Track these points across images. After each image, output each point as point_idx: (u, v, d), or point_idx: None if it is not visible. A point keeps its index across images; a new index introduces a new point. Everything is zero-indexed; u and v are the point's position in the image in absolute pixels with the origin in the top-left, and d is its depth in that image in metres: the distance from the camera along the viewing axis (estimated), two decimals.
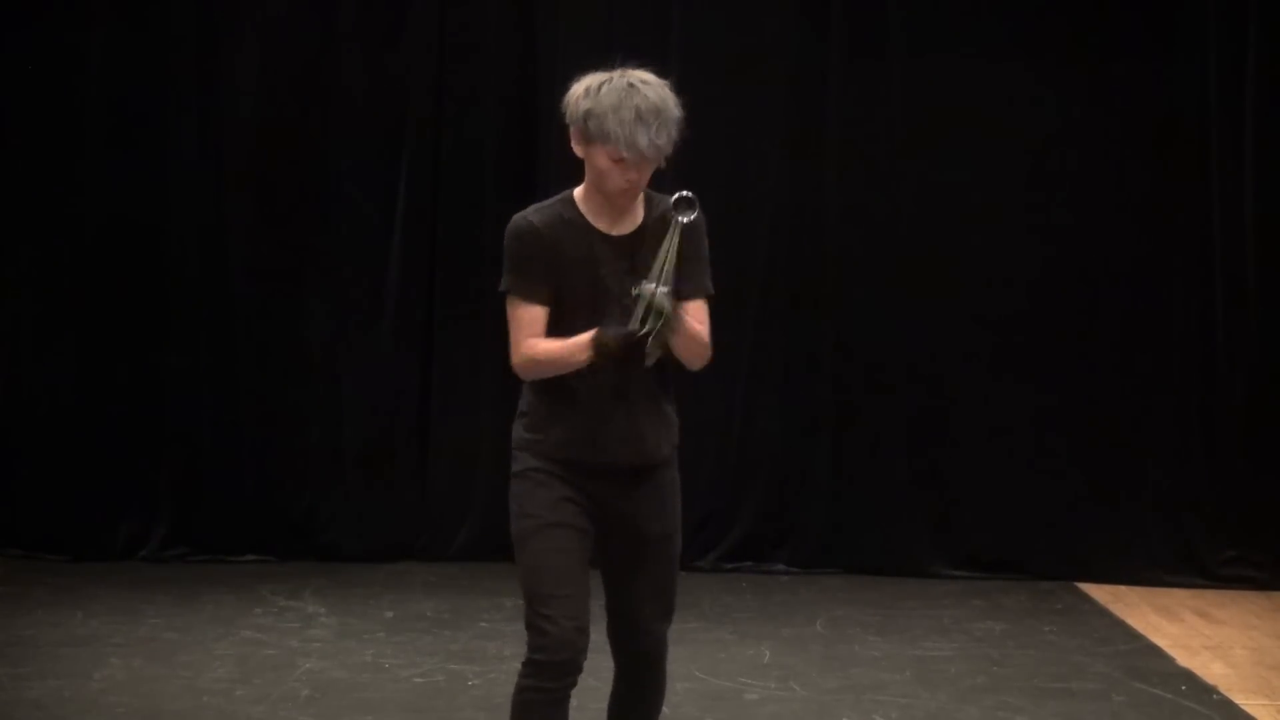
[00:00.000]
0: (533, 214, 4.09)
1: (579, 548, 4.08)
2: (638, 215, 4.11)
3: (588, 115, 3.97)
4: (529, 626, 4.07)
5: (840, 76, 8.46)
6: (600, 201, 4.07)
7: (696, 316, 4.08)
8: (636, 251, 4.06)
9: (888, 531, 8.47)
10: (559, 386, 4.08)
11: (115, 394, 8.38)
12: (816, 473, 8.54)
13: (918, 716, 5.97)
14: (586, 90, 4.00)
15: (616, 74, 4.01)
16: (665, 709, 5.91)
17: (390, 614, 7.43)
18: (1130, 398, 8.45)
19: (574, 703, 4.17)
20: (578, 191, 4.12)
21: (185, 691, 6.09)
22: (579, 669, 4.08)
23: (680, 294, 4.01)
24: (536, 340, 4.02)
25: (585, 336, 3.94)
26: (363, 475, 8.50)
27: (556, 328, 4.06)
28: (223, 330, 8.46)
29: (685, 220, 3.99)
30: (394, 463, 8.56)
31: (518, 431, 4.17)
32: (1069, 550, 8.41)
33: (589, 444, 4.07)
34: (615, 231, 4.08)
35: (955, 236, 8.47)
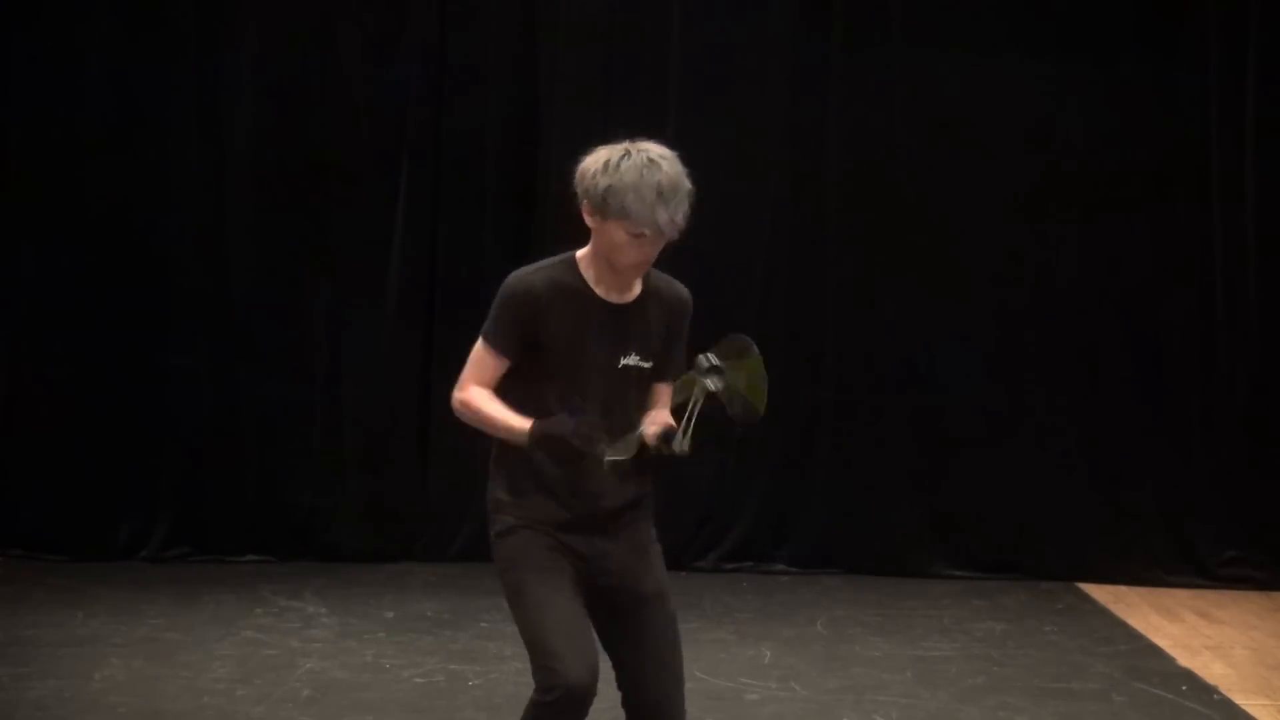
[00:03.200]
0: (533, 274, 4.05)
1: (576, 591, 4.06)
2: (636, 286, 4.11)
3: (608, 192, 3.95)
4: (537, 671, 4.01)
5: (840, 76, 8.46)
6: (603, 270, 4.06)
7: (665, 396, 4.15)
8: (631, 321, 4.07)
9: (888, 532, 8.48)
10: (516, 452, 4.06)
11: (115, 394, 8.38)
12: (817, 473, 8.54)
13: (918, 717, 5.97)
14: (605, 166, 3.97)
15: (631, 148, 4.00)
16: None
17: (391, 614, 7.43)
18: (1130, 398, 8.45)
19: None
20: (580, 255, 4.10)
21: (186, 692, 6.09)
22: (590, 704, 4.03)
23: (664, 376, 4.11)
24: (484, 391, 4.02)
25: (525, 425, 3.94)
26: (363, 475, 8.51)
27: (535, 383, 4.03)
28: (223, 330, 8.46)
29: (713, 388, 3.99)
30: (394, 463, 8.56)
31: (494, 493, 4.15)
32: (1070, 550, 8.41)
33: (565, 501, 4.05)
34: (614, 299, 4.08)
35: (955, 237, 8.47)
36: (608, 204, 3.95)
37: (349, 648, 6.81)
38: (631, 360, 4.07)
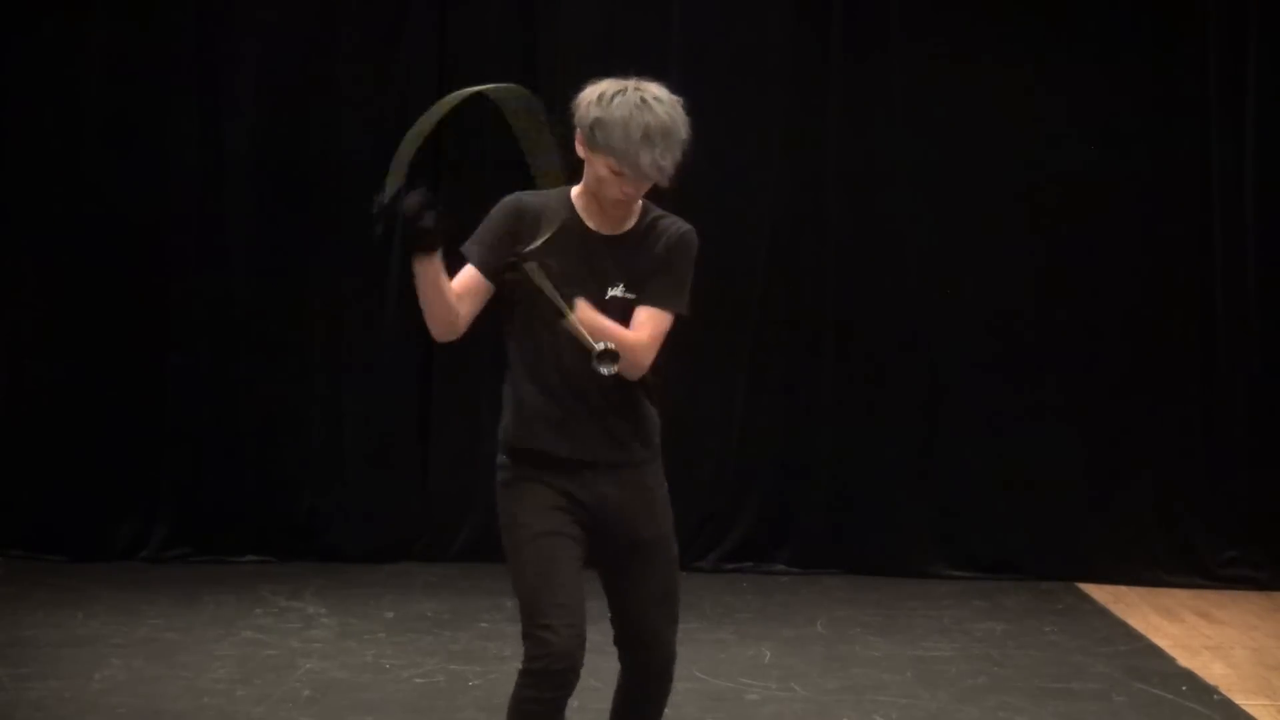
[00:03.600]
0: (529, 196, 4.11)
1: (573, 554, 4.05)
2: (630, 219, 4.10)
3: (595, 124, 3.95)
4: (527, 636, 4.03)
5: (840, 76, 8.46)
6: (592, 201, 4.07)
7: (641, 321, 4.04)
8: (621, 253, 4.06)
9: (888, 532, 8.48)
10: (531, 378, 4.06)
11: (115, 394, 8.39)
12: (817, 473, 8.54)
13: (918, 717, 5.97)
14: (599, 97, 3.98)
15: (630, 85, 3.98)
16: (666, 709, 5.92)
17: (391, 614, 7.43)
18: (1130, 398, 8.45)
19: (574, 703, 4.17)
20: (575, 189, 4.12)
21: (186, 692, 6.09)
22: (578, 676, 4.05)
23: (639, 301, 4.06)
24: (451, 280, 4.16)
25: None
26: (363, 476, 8.50)
27: (523, 315, 4.07)
28: (223, 330, 8.46)
29: (604, 371, 3.92)
30: (394, 463, 8.56)
31: (500, 433, 4.16)
32: (1069, 550, 8.41)
33: (560, 438, 4.04)
34: (605, 231, 4.07)
35: (955, 237, 8.47)
36: (595, 136, 3.96)
37: (349, 648, 6.81)
38: (618, 292, 4.05)
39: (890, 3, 8.43)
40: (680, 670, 6.45)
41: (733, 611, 7.64)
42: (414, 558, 8.53)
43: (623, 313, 4.05)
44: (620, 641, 4.23)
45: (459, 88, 9.01)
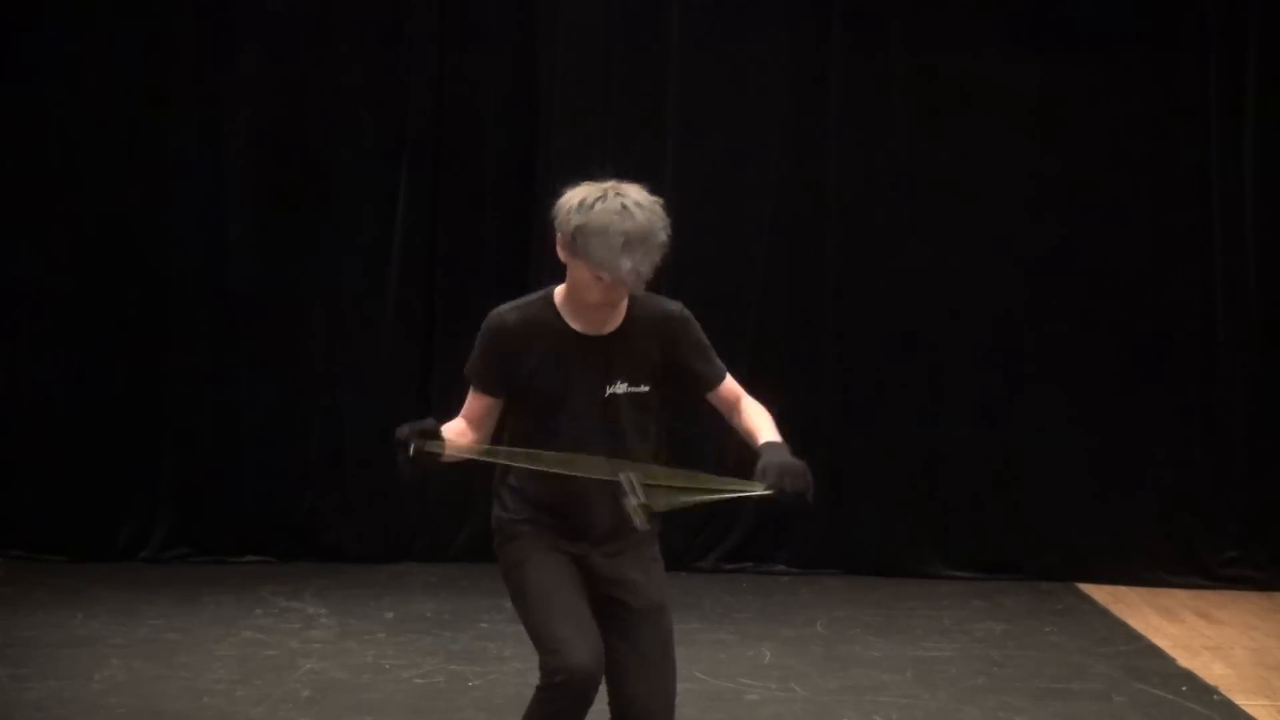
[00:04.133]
0: (508, 312, 4.09)
1: (577, 579, 4.08)
2: (619, 316, 4.10)
3: (577, 231, 3.94)
4: (544, 657, 4.01)
5: (840, 76, 8.46)
6: (578, 303, 4.06)
7: (732, 389, 4.30)
8: (613, 350, 4.07)
9: (888, 532, 8.48)
10: (532, 487, 4.11)
11: (115, 394, 8.39)
12: (817, 473, 8.46)
13: (918, 717, 5.96)
14: (580, 204, 3.96)
15: (610, 188, 3.96)
16: None
17: (391, 615, 7.43)
18: (1130, 398, 8.45)
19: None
20: (558, 291, 4.11)
21: (185, 692, 6.09)
22: (597, 689, 4.04)
23: (712, 384, 4.24)
24: (455, 424, 4.20)
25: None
26: (363, 477, 8.50)
27: (523, 421, 4.11)
28: (223, 330, 8.46)
29: (638, 526, 3.95)
30: (394, 464, 8.53)
31: (496, 513, 4.21)
32: (1069, 551, 8.41)
33: (560, 522, 4.10)
34: (591, 332, 4.08)
35: (955, 236, 8.46)
36: (576, 243, 3.95)
37: (349, 648, 6.81)
38: (620, 389, 4.07)
39: (890, 3, 8.42)
40: (680, 670, 6.44)
41: (732, 612, 7.64)
42: (414, 558, 8.53)
43: (631, 407, 4.09)
44: (615, 708, 4.14)
45: (459, 88, 9.06)
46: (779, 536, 8.55)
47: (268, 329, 8.47)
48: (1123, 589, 8.24)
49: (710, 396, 4.26)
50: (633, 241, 3.89)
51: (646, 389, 4.10)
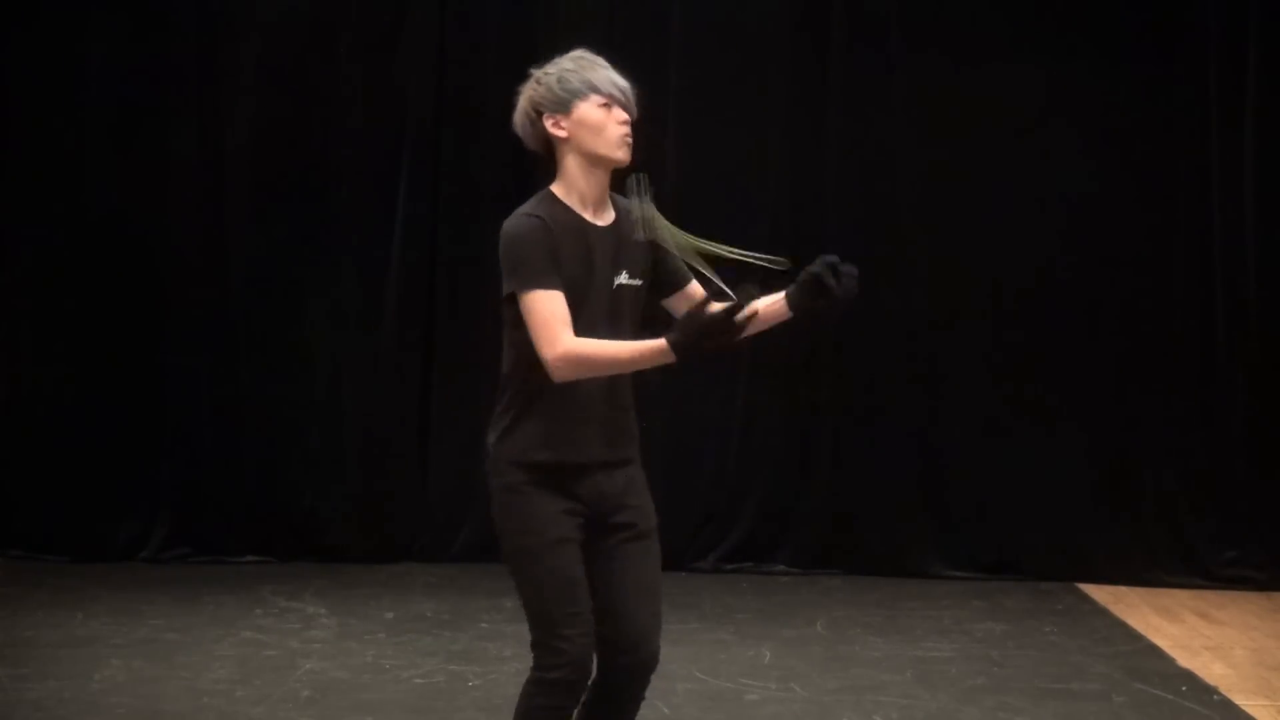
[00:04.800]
0: (532, 209, 4.02)
1: (580, 561, 4.05)
2: (610, 209, 4.10)
3: (561, 80, 4.01)
4: (541, 646, 4.01)
5: (840, 76, 8.46)
6: (585, 192, 4.05)
7: (699, 290, 4.14)
8: (619, 241, 4.05)
9: (888, 532, 8.48)
10: (535, 390, 4.02)
11: (115, 394, 8.39)
12: (817, 474, 8.54)
13: (918, 717, 5.96)
14: (544, 73, 4.07)
15: (549, 62, 4.09)
16: (665, 709, 5.93)
17: (391, 615, 7.43)
18: (1130, 398, 8.45)
19: None
20: (555, 189, 4.09)
21: (185, 692, 6.09)
22: (589, 682, 4.07)
23: (679, 284, 4.15)
24: (579, 338, 3.87)
25: (660, 342, 3.79)
26: (363, 476, 8.51)
27: (522, 326, 3.96)
28: (223, 330, 8.46)
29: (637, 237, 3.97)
30: (394, 463, 8.56)
31: (497, 442, 4.10)
32: (1069, 551, 8.41)
33: (594, 441, 4.04)
34: (600, 222, 4.07)
35: (955, 236, 8.47)
36: (569, 88, 4.01)
37: (349, 648, 6.81)
38: (624, 279, 4.05)
39: (890, 4, 8.42)
40: (680, 670, 6.48)
41: (732, 612, 7.64)
42: (414, 558, 8.53)
43: (630, 301, 4.07)
44: (605, 642, 4.13)
45: (459, 88, 9.08)
46: (779, 536, 8.55)
47: (267, 329, 8.47)
48: (1123, 589, 8.24)
49: (675, 299, 4.15)
50: (608, 66, 4.07)
51: (640, 283, 4.09)
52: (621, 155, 4.05)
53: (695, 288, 4.17)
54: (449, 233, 8.48)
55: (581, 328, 3.93)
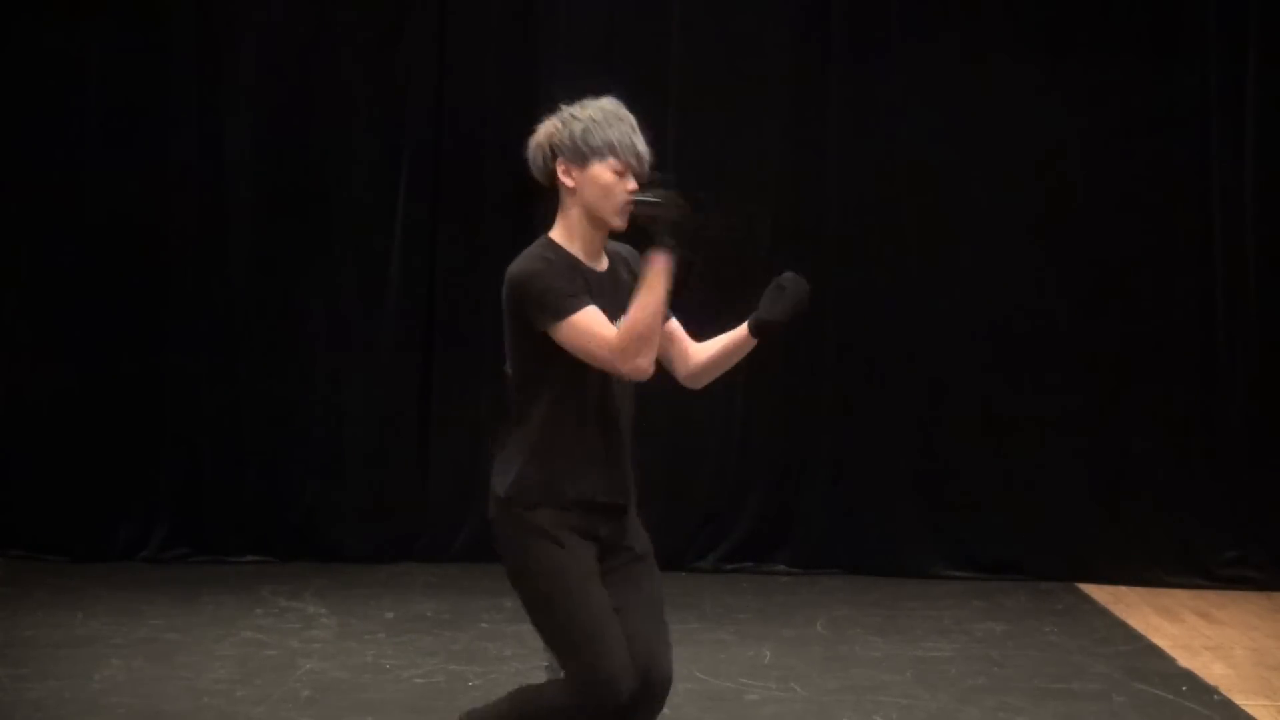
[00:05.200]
0: (535, 255, 4.00)
1: (606, 597, 4.03)
2: (604, 256, 4.10)
3: (585, 133, 3.97)
4: (584, 679, 3.94)
5: (840, 77, 8.46)
6: (584, 240, 4.05)
7: (682, 331, 4.22)
8: (616, 286, 4.05)
9: (888, 532, 8.48)
10: (578, 423, 4.01)
11: (115, 394, 8.39)
12: (817, 473, 8.54)
13: (918, 717, 5.96)
14: (571, 116, 4.02)
15: (577, 104, 4.04)
16: (666, 710, 5.92)
17: (391, 615, 7.43)
18: (1130, 398, 8.45)
19: None
20: (556, 235, 4.08)
21: (186, 692, 6.09)
22: None
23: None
24: (613, 327, 3.87)
25: (654, 266, 3.80)
26: (363, 476, 8.51)
27: (550, 364, 3.97)
28: (223, 330, 8.46)
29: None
30: (394, 463, 8.56)
31: (510, 489, 4.05)
32: (1069, 551, 8.41)
33: (601, 481, 4.03)
34: (598, 268, 4.08)
35: (955, 237, 8.47)
36: (588, 144, 3.97)
37: (349, 648, 6.81)
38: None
39: (890, 6, 8.42)
40: (680, 670, 6.44)
41: (733, 612, 7.64)
42: (414, 558, 8.53)
43: None
44: None
45: (459, 88, 9.08)
46: (779, 536, 8.55)
47: (268, 329, 8.47)
48: (1123, 589, 8.24)
49: (667, 330, 4.16)
50: (635, 126, 4.01)
51: None
52: (619, 224, 4.04)
53: (674, 324, 4.18)
54: (449, 233, 8.48)
55: (585, 370, 3.95)
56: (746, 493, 8.54)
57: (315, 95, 8.46)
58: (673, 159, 8.30)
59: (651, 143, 4.07)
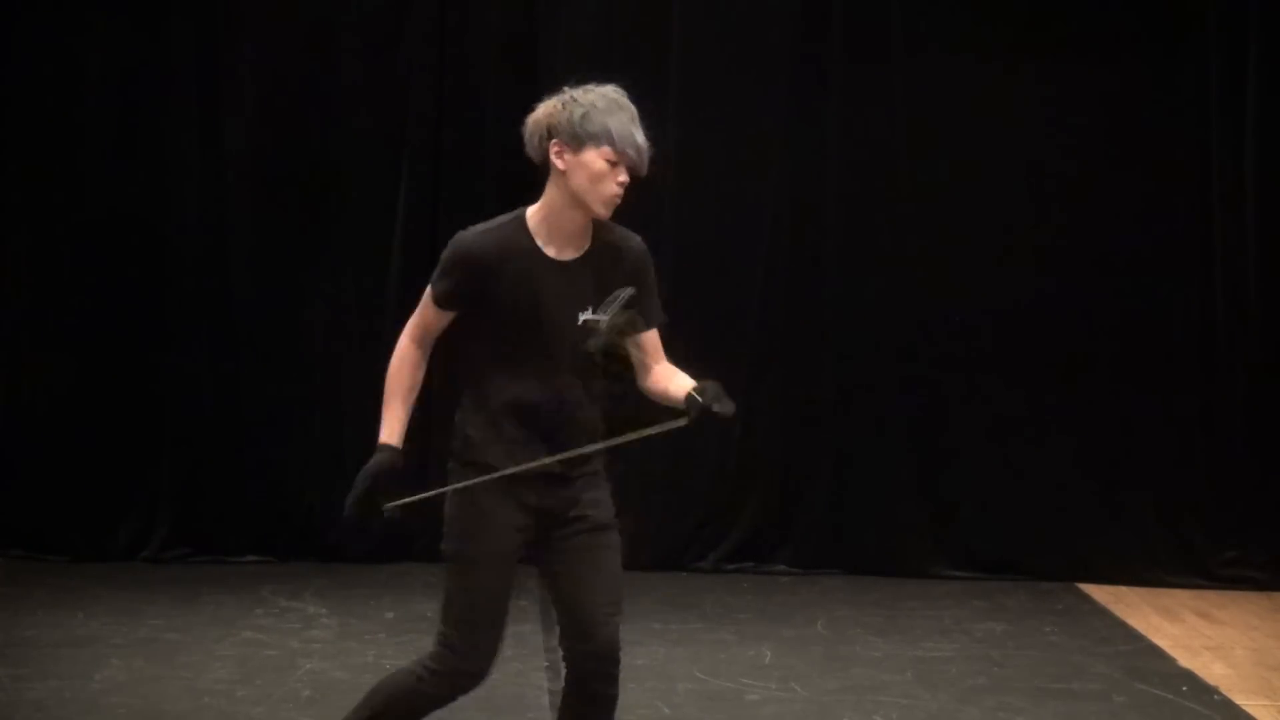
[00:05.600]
0: (483, 235, 4.05)
1: (512, 579, 4.13)
2: (585, 239, 4.09)
3: (585, 118, 3.95)
4: (450, 646, 4.09)
5: (840, 76, 8.46)
6: (558, 225, 4.04)
7: (658, 344, 4.16)
8: (584, 276, 4.05)
9: (888, 532, 8.47)
10: (520, 392, 4.08)
11: (115, 394, 8.38)
12: (817, 473, 8.54)
13: (919, 717, 5.96)
14: (573, 98, 3.99)
15: (582, 87, 4.03)
16: (666, 709, 5.93)
17: (391, 614, 7.42)
18: (1130, 398, 8.45)
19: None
20: (531, 212, 4.08)
21: (186, 692, 6.09)
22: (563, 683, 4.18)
23: (644, 326, 4.11)
24: (413, 356, 4.33)
25: (385, 439, 4.29)
26: None
27: (502, 346, 4.05)
28: (223, 330, 8.46)
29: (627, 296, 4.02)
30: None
31: (458, 446, 4.20)
32: (1070, 551, 8.41)
33: (524, 454, 4.07)
34: (562, 257, 4.06)
35: (955, 237, 8.46)
36: (586, 129, 3.95)
37: (349, 648, 6.81)
38: (589, 315, 4.05)
39: (890, 7, 8.42)
40: (681, 670, 6.48)
41: (733, 612, 7.63)
42: (414, 558, 8.51)
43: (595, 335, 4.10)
44: (566, 637, 4.16)
45: (459, 87, 9.07)
46: (779, 536, 8.55)
47: (268, 329, 8.46)
48: (1123, 589, 8.24)
49: (637, 339, 4.13)
50: (636, 118, 3.99)
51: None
52: (603, 213, 4.04)
53: (651, 335, 4.16)
54: (449, 232, 8.37)
55: (536, 361, 4.02)
56: (746, 492, 8.54)
57: (315, 96, 8.45)
58: (673, 157, 8.35)
59: (651, 137, 4.06)
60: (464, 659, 4.07)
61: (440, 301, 4.14)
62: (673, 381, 4.07)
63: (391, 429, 4.10)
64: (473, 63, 8.45)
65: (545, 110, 4.04)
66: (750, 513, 8.53)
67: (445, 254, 4.11)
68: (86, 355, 8.38)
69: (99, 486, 8.36)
